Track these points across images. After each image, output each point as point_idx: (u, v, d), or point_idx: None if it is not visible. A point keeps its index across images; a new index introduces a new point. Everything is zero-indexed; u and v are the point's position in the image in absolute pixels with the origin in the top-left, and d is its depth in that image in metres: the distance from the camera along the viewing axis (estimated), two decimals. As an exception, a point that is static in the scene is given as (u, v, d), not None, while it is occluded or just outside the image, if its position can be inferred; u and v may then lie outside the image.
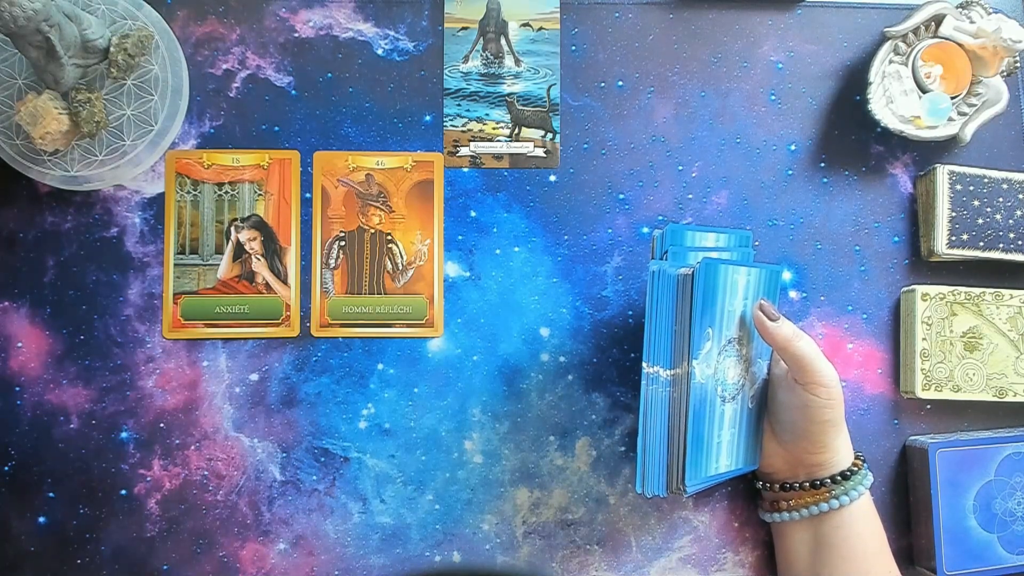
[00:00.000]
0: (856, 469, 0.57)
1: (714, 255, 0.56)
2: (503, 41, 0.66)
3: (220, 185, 0.64)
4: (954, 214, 0.64)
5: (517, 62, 0.66)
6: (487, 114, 0.66)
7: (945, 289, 0.63)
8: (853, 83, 0.67)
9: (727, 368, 0.56)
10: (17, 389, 0.62)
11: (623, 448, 0.64)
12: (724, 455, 0.56)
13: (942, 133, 0.64)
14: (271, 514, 0.63)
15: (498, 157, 0.66)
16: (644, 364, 0.54)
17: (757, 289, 0.57)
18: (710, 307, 0.54)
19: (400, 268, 0.65)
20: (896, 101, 0.63)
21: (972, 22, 0.64)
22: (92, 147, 0.62)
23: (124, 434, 0.62)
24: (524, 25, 0.67)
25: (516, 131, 0.66)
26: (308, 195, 0.65)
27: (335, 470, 0.63)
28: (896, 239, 0.66)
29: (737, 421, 0.57)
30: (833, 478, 0.57)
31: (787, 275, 0.66)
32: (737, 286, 0.55)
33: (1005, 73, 0.64)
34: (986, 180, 0.64)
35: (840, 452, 0.57)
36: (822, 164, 0.67)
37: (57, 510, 0.62)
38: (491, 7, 0.67)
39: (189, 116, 0.65)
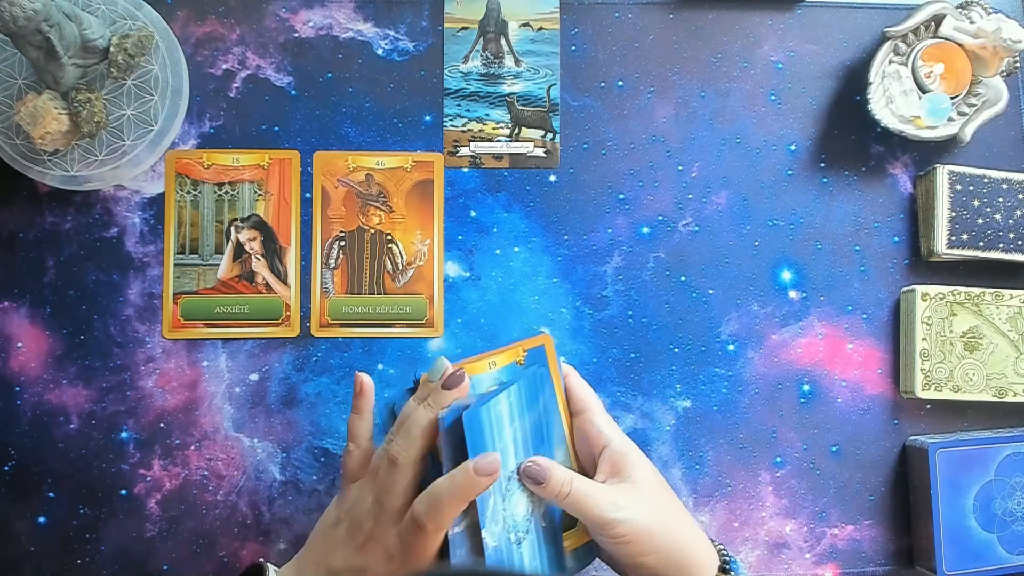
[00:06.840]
0: (725, 569, 0.52)
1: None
2: (503, 41, 0.66)
3: (220, 185, 0.64)
4: (954, 214, 0.64)
5: (517, 62, 0.66)
6: (487, 114, 0.66)
7: (945, 289, 0.63)
8: (853, 83, 0.67)
9: (515, 506, 0.50)
10: (17, 389, 0.62)
11: (623, 448, 0.64)
12: None
13: (942, 133, 0.64)
14: (271, 514, 0.63)
15: (498, 157, 0.66)
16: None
17: (520, 404, 0.51)
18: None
19: (400, 268, 0.64)
20: (896, 101, 0.63)
21: (972, 22, 0.64)
22: (92, 147, 0.62)
23: (124, 434, 0.62)
24: (524, 25, 0.67)
25: (516, 131, 0.66)
26: (308, 195, 0.65)
27: (335, 470, 0.63)
28: (896, 239, 0.66)
29: (535, 550, 0.51)
30: None
31: (787, 275, 0.66)
32: (502, 417, 0.49)
33: (1005, 73, 0.64)
34: (986, 180, 0.64)
35: (703, 559, 0.51)
36: (822, 164, 0.67)
37: (57, 510, 0.62)
38: (491, 7, 0.67)
39: (189, 116, 0.65)
